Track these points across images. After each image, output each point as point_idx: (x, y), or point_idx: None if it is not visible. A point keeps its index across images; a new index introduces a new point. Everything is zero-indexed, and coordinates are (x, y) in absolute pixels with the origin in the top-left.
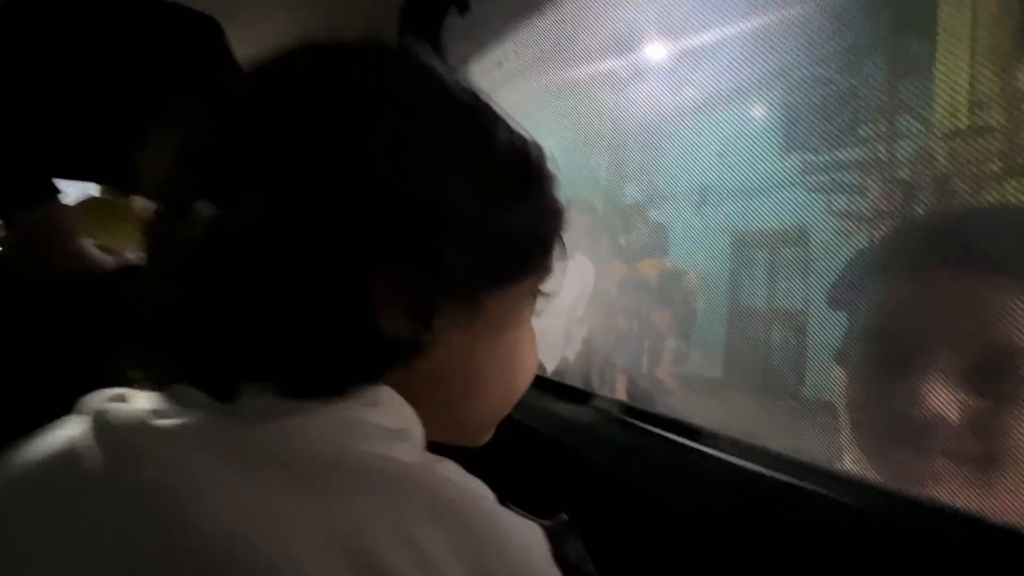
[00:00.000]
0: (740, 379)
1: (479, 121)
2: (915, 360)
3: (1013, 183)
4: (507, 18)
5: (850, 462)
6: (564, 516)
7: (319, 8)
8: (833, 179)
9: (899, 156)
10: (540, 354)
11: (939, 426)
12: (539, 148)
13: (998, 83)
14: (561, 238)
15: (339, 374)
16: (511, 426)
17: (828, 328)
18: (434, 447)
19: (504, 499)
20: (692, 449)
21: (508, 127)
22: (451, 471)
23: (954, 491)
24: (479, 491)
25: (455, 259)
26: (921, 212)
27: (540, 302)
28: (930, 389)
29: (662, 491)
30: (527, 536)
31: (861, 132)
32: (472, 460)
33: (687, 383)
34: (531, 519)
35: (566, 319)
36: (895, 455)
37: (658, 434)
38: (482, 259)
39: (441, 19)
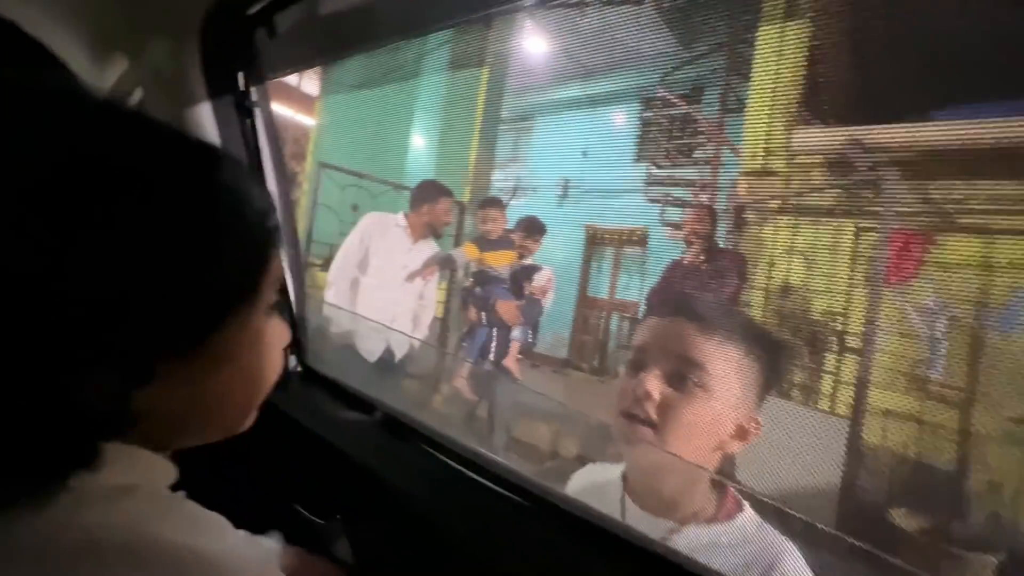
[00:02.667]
0: (581, 360)
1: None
2: (644, 362)
3: (784, 219)
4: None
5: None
6: (338, 517)
7: (114, 22)
8: (667, 193)
9: (716, 183)
10: (388, 339)
11: (649, 402)
12: (211, 175)
13: (783, 139)
14: (273, 251)
15: (42, 465)
16: (298, 432)
17: None
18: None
19: (289, 502)
20: (454, 468)
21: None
22: (177, 518)
23: (644, 439)
24: (196, 537)
25: (132, 336)
26: (725, 233)
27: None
28: (648, 380)
29: (420, 496)
30: (229, 567)
31: (696, 155)
32: (262, 467)
33: (535, 364)
34: (314, 520)
35: (415, 302)
36: (626, 422)
37: (425, 448)
38: (176, 319)
39: (248, 38)
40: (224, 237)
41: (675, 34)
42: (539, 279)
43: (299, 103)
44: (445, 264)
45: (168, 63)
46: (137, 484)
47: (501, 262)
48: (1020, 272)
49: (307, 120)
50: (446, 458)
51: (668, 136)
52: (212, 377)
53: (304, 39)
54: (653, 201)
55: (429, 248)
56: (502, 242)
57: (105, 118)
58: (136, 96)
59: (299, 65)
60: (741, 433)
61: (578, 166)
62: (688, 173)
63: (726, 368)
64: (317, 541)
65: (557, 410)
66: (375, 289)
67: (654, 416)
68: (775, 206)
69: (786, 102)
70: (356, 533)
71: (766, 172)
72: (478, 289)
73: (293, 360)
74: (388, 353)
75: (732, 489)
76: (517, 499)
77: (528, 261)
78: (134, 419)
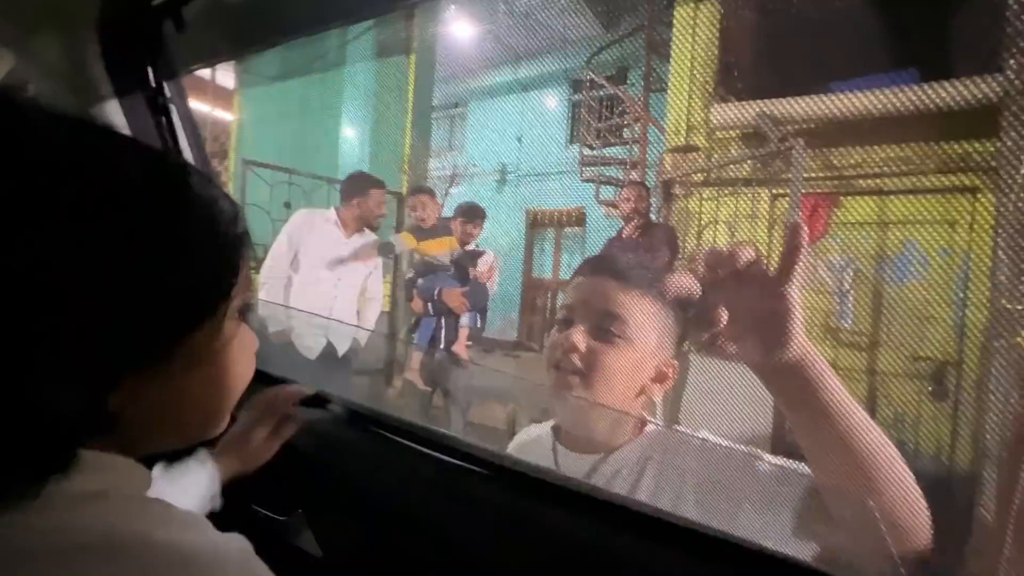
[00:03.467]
0: (531, 341)
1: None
2: (571, 317)
3: (708, 191)
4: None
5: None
6: (300, 511)
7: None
8: (600, 172)
9: (645, 160)
10: (328, 334)
11: (574, 352)
12: (175, 180)
13: (703, 115)
14: (242, 258)
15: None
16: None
17: None
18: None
19: (247, 504)
20: (408, 447)
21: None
22: (153, 516)
23: (573, 388)
24: (173, 532)
25: (101, 342)
26: (655, 207)
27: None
28: (575, 334)
29: (379, 480)
30: (208, 560)
31: (625, 134)
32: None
33: (486, 349)
34: (272, 516)
35: (357, 299)
36: (556, 372)
37: (379, 433)
38: (145, 326)
39: (154, 30)
40: (194, 245)
41: (598, 16)
42: (482, 264)
43: (214, 97)
44: (384, 251)
45: (61, 57)
46: (110, 488)
47: (439, 250)
48: (908, 228)
49: (225, 115)
50: (402, 439)
51: (597, 117)
52: (183, 382)
53: (217, 31)
54: (587, 181)
55: (364, 242)
56: (438, 229)
57: (71, 131)
58: (28, 93)
59: (214, 58)
60: (660, 377)
61: (513, 151)
62: (618, 152)
63: (644, 319)
64: (280, 537)
65: (510, 389)
66: (308, 286)
67: (580, 365)
68: (699, 179)
69: (704, 80)
70: (319, 524)
71: (689, 148)
72: (421, 280)
73: None
74: (330, 347)
75: (640, 416)
76: (476, 469)
77: (471, 247)
78: (110, 423)
